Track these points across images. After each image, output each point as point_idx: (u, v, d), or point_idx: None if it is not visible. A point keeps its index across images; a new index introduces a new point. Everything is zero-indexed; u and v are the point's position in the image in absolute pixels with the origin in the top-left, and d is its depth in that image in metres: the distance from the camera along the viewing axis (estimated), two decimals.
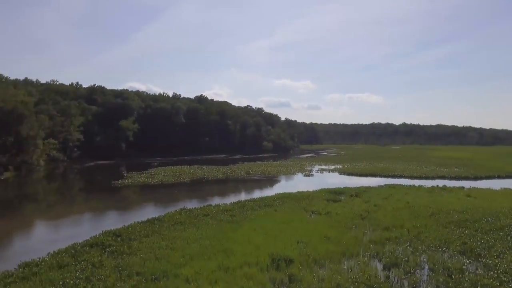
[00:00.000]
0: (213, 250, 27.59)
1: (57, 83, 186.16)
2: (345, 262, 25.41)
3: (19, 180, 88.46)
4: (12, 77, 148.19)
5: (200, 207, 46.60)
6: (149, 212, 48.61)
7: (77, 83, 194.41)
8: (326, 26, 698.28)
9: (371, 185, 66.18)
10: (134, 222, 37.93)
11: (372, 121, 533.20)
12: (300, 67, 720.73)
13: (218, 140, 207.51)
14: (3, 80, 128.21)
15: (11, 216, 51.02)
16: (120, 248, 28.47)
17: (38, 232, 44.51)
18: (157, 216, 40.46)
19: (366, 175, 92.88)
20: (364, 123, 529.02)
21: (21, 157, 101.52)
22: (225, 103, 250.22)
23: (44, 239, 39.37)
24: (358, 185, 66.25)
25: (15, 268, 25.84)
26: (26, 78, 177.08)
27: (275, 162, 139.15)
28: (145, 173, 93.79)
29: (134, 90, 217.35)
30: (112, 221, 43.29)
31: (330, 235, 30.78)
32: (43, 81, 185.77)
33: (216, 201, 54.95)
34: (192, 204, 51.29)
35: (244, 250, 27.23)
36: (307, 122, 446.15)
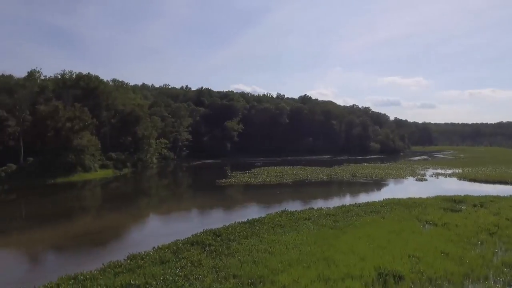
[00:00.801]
0: (313, 257, 26.11)
1: (169, 86, 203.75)
2: (469, 286, 21.75)
3: (135, 176, 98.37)
4: (131, 83, 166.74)
5: (302, 210, 45.41)
6: (250, 212, 49.17)
7: (187, 86, 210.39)
8: (437, 15, 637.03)
9: (501, 194, 57.39)
10: (235, 222, 38.38)
11: (500, 120, 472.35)
12: (409, 62, 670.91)
13: (322, 140, 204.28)
14: (124, 86, 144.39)
15: (126, 209, 56.46)
16: (219, 248, 28.81)
17: (148, 226, 48.32)
18: (257, 217, 40.38)
19: (493, 182, 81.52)
20: (488, 122, 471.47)
21: (137, 155, 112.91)
22: (330, 102, 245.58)
23: (151, 232, 42.38)
24: (483, 193, 58.26)
25: (124, 259, 27.89)
26: (143, 84, 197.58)
27: (382, 164, 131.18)
28: (248, 172, 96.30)
29: (239, 91, 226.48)
30: (214, 220, 44.73)
31: (449, 251, 26.94)
32: (157, 85, 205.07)
33: (318, 204, 53.15)
34: (293, 206, 50.43)
35: (347, 261, 25.20)
36: (419, 121, 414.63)
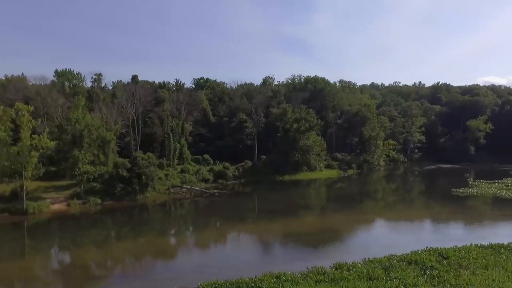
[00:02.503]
0: None
1: (400, 84, 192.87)
2: None
3: (360, 178, 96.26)
4: (360, 83, 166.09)
5: None
6: (494, 233, 39.03)
7: (420, 82, 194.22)
8: None
9: None
10: (471, 244, 30.57)
11: None
12: None
13: None
14: (351, 86, 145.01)
15: (350, 211, 55.14)
16: (444, 275, 22.84)
17: (367, 233, 45.03)
18: (505, 243, 31.06)
19: None
20: None
21: (363, 156, 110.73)
22: None
23: (367, 241, 38.94)
24: None
25: (329, 267, 25.88)
26: (372, 83, 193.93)
27: None
28: (497, 182, 79.42)
29: (488, 84, 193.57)
30: (442, 236, 37.58)
31: None
32: (386, 83, 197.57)
33: None
34: None
35: None
36: None
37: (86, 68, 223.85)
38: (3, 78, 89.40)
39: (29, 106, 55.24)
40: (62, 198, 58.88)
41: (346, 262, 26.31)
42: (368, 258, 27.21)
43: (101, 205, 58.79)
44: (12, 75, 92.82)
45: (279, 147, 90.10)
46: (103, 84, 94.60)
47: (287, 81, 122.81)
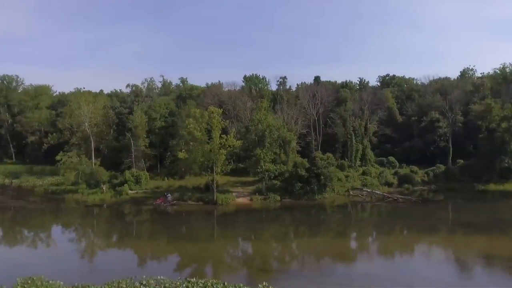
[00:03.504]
0: None
1: None
2: None
3: None
4: None
5: None
6: None
7: None
8: None
9: None
10: None
11: None
12: None
13: None
14: None
15: None
16: None
17: None
18: None
19: None
20: None
21: None
22: None
23: None
24: None
25: None
26: None
27: None
28: None
29: None
30: None
31: None
32: None
33: None
34: None
35: None
36: None
37: (272, 72, 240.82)
38: (204, 86, 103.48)
39: (220, 109, 61.80)
40: (246, 193, 63.66)
41: None
42: None
43: (280, 202, 61.04)
44: (212, 83, 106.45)
45: (481, 150, 76.47)
46: (287, 87, 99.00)
47: (495, 72, 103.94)
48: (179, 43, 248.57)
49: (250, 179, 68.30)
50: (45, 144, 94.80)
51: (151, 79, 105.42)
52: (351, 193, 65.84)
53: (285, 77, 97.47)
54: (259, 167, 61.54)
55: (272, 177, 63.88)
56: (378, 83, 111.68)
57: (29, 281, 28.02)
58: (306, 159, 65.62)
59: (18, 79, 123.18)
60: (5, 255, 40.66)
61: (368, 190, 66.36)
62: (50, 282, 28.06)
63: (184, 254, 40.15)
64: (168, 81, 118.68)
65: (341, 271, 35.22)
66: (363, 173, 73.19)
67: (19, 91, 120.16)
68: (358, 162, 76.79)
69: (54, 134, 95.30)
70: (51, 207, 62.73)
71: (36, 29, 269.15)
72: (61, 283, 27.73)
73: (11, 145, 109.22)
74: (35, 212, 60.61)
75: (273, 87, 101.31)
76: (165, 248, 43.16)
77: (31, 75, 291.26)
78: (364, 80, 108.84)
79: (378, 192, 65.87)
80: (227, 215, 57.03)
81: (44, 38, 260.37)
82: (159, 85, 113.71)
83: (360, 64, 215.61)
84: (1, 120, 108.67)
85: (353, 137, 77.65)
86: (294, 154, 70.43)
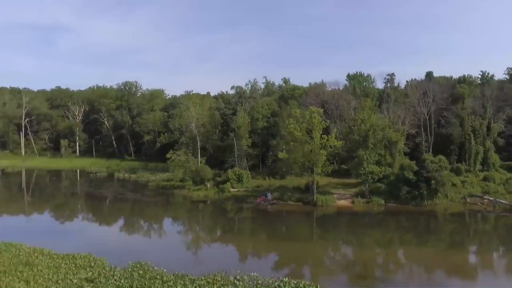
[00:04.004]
0: None
1: None
2: None
3: None
4: None
5: None
6: None
7: None
8: None
9: None
10: None
11: None
12: None
13: None
14: None
15: None
16: None
17: None
18: None
19: None
20: None
21: None
22: None
23: None
24: None
25: None
26: None
27: None
28: None
29: None
30: None
31: None
32: None
33: None
34: None
35: None
36: None
37: (378, 70, 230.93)
38: (307, 86, 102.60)
39: (321, 109, 60.20)
40: (347, 195, 61.30)
41: None
42: None
43: (384, 206, 57.52)
44: (315, 82, 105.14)
45: None
46: (395, 84, 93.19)
47: None
48: (283, 43, 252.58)
49: (352, 181, 65.60)
50: (157, 143, 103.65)
51: (254, 80, 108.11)
52: (468, 200, 59.02)
53: (392, 74, 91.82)
54: (362, 168, 58.67)
55: (376, 180, 60.39)
56: (507, 76, 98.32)
57: (138, 265, 30.86)
58: (414, 162, 60.88)
59: (137, 84, 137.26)
60: (123, 242, 45.01)
61: (491, 198, 58.77)
62: (155, 268, 30.46)
63: (283, 254, 39.98)
64: (271, 82, 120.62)
65: (458, 287, 31.37)
66: (485, 179, 65.07)
67: (138, 95, 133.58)
68: (478, 167, 68.57)
69: (166, 134, 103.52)
70: (162, 200, 67.89)
71: (152, 39, 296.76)
72: (164, 270, 29.91)
73: (130, 144, 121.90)
74: (149, 204, 66.10)
75: (379, 85, 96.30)
76: (265, 246, 43.67)
77: (147, 80, 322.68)
78: (487, 74, 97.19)
79: (503, 201, 57.89)
80: (327, 217, 55.57)
81: (159, 47, 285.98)
82: (262, 86, 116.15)
83: (483, 56, 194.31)
84: (123, 121, 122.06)
85: (472, 138, 69.73)
86: (401, 155, 65.81)
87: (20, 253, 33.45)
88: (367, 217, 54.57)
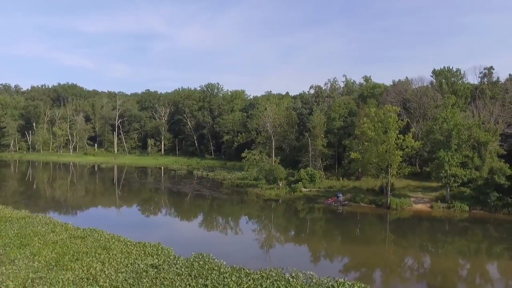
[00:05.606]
0: None
1: None
2: None
3: None
4: None
5: None
6: None
7: None
8: None
9: None
10: None
11: None
12: None
13: None
14: None
15: None
16: None
17: None
18: None
19: None
20: None
21: None
22: None
23: None
24: None
25: None
26: None
27: None
28: None
29: None
30: None
31: None
32: None
33: None
34: None
35: None
36: None
37: (470, 64, 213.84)
38: (390, 84, 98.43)
39: (400, 108, 57.56)
40: (426, 199, 58.25)
41: None
42: None
43: (469, 213, 53.59)
44: (399, 79, 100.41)
45: None
46: (494, 79, 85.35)
47: None
48: (368, 39, 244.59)
49: (433, 184, 61.99)
50: (235, 143, 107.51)
51: (334, 79, 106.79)
52: None
53: (491, 68, 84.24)
54: (443, 171, 55.29)
55: (460, 184, 56.45)
56: None
57: (200, 256, 33.09)
58: (508, 165, 55.81)
59: (219, 86, 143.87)
60: (193, 234, 48.22)
61: None
62: (215, 260, 32.33)
63: (354, 256, 39.63)
64: (351, 80, 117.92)
65: None
66: None
67: (219, 96, 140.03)
68: None
69: (244, 133, 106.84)
70: (237, 198, 70.51)
71: (235, 42, 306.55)
72: (224, 262, 31.68)
73: (211, 143, 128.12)
74: (225, 201, 69.04)
75: (472, 80, 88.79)
76: (337, 247, 43.73)
77: (229, 81, 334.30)
78: None
79: None
80: (402, 221, 53.37)
81: (242, 49, 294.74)
82: (342, 85, 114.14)
83: None
84: (204, 121, 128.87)
85: None
86: (492, 158, 60.66)
87: (101, 239, 37.96)
88: (448, 224, 51.32)
